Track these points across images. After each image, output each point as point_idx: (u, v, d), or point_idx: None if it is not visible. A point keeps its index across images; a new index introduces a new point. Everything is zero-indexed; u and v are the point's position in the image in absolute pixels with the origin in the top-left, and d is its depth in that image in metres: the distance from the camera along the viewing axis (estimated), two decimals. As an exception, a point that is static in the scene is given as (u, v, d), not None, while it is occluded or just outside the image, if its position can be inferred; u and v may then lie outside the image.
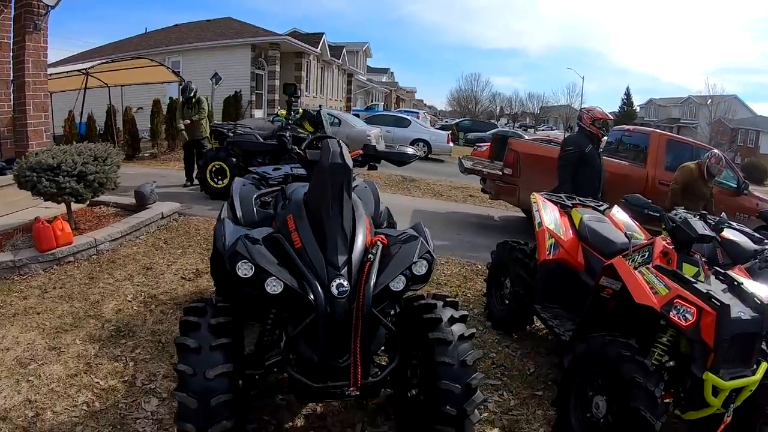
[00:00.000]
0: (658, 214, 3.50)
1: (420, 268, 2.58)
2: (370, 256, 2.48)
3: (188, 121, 8.85)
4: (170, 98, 14.13)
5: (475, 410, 2.71)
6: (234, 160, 8.08)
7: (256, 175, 3.71)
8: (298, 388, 2.55)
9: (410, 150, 3.68)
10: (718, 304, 2.63)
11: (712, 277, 2.99)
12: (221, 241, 2.55)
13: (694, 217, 3.25)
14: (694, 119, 48.97)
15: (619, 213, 4.40)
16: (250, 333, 3.35)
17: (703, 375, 2.65)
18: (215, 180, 8.23)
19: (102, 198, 6.41)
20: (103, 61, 12.30)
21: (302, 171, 3.67)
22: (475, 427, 2.84)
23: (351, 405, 3.37)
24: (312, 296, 2.31)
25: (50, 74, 7.75)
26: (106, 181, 5.57)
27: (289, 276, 2.38)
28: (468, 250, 7.10)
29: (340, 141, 2.73)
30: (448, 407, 2.54)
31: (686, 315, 2.70)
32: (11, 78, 6.60)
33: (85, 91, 12.42)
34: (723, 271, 3.04)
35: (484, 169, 8.51)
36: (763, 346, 2.92)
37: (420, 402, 2.81)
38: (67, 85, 12.38)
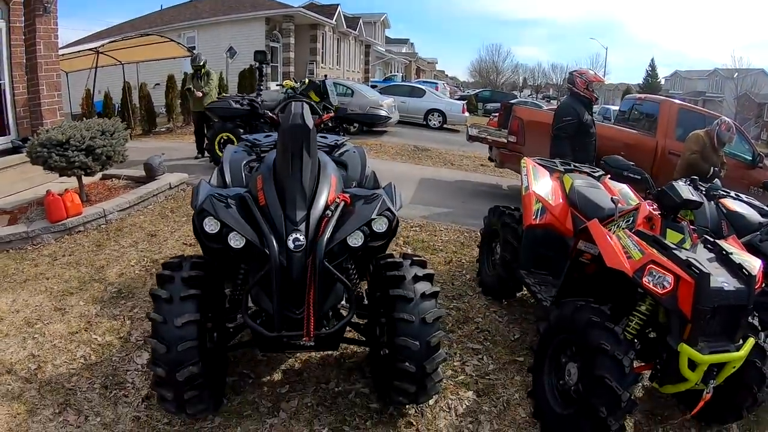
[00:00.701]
0: (639, 177, 3.38)
1: (380, 225, 2.66)
2: (328, 212, 2.59)
3: (199, 94, 8.98)
4: (184, 73, 14.25)
5: (438, 368, 2.76)
6: (241, 130, 8.19)
7: (248, 143, 3.84)
8: (258, 338, 2.73)
9: (382, 112, 3.73)
10: (697, 272, 2.50)
11: (700, 246, 2.87)
12: (194, 200, 2.70)
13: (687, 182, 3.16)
14: (720, 93, 47.32)
15: (614, 181, 4.27)
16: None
17: (678, 347, 2.54)
18: (223, 151, 8.34)
19: (113, 171, 6.67)
20: (113, 39, 12.46)
21: None
22: (438, 386, 2.90)
23: (328, 362, 3.53)
24: (268, 250, 2.43)
25: (62, 55, 7.94)
26: (114, 154, 5.78)
27: (250, 231, 2.51)
28: (470, 217, 7.11)
29: (305, 103, 2.83)
30: (407, 364, 2.61)
31: (663, 282, 2.58)
32: (24, 60, 6.80)
33: (96, 70, 12.61)
34: (712, 240, 2.94)
35: (488, 137, 8.45)
36: (755, 322, 2.85)
37: (385, 360, 2.89)
38: (80, 65, 12.60)
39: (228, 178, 3.27)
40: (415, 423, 3.00)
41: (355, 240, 2.61)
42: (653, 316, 2.84)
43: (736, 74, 43.42)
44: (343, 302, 2.92)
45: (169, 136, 12.40)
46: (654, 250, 2.70)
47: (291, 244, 2.49)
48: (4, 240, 4.94)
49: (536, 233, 4.05)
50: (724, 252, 2.78)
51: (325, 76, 11.17)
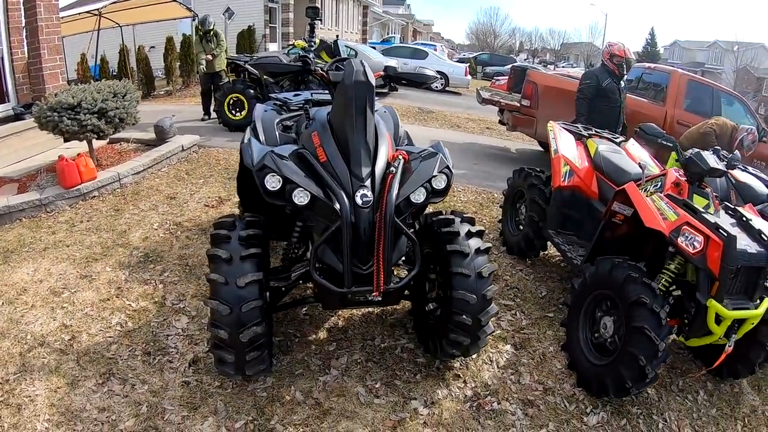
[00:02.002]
0: (671, 144, 3.57)
1: (439, 182, 2.68)
2: (392, 168, 2.57)
3: (210, 57, 8.80)
4: (183, 35, 13.93)
5: (489, 322, 2.87)
6: (251, 91, 8.09)
7: (277, 101, 3.77)
8: (324, 295, 2.69)
9: (429, 71, 3.67)
10: (725, 234, 2.69)
11: (722, 211, 3.05)
12: (249, 158, 2.66)
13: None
14: (719, 65, 47.01)
15: (634, 146, 4.41)
16: (273, 253, 3.49)
17: (707, 302, 2.73)
18: (233, 112, 8.27)
19: (122, 135, 6.53)
20: (114, 0, 12.09)
21: (322, 96, 3.74)
22: (488, 339, 3.01)
23: (371, 319, 3.57)
24: (338, 205, 2.42)
25: (62, 17, 7.70)
26: (127, 116, 5.65)
27: (315, 187, 2.49)
28: (484, 179, 7.13)
29: (363, 61, 2.76)
30: (463, 316, 2.70)
31: (694, 243, 2.77)
32: (23, 24, 6.58)
33: (98, 33, 12.28)
34: (733, 206, 3.11)
35: (501, 100, 8.40)
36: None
37: (437, 314, 2.96)
38: (79, 28, 12.25)
39: (262, 137, 3.22)
40: (461, 375, 3.15)
41: (418, 196, 2.63)
42: (680, 275, 3.03)
43: (737, 47, 43.17)
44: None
45: (170, 99, 12.18)
46: (687, 213, 2.88)
47: (359, 200, 2.48)
48: (16, 209, 4.80)
49: (564, 195, 4.19)
50: (744, 218, 2.97)
51: (337, 36, 10.90)
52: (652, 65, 9.17)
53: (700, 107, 7.39)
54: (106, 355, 3.04)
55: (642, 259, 3.15)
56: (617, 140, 4.54)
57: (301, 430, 2.65)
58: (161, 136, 6.76)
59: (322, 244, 2.50)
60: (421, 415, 2.82)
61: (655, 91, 7.86)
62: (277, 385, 2.89)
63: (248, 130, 3.40)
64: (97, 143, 6.05)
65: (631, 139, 4.52)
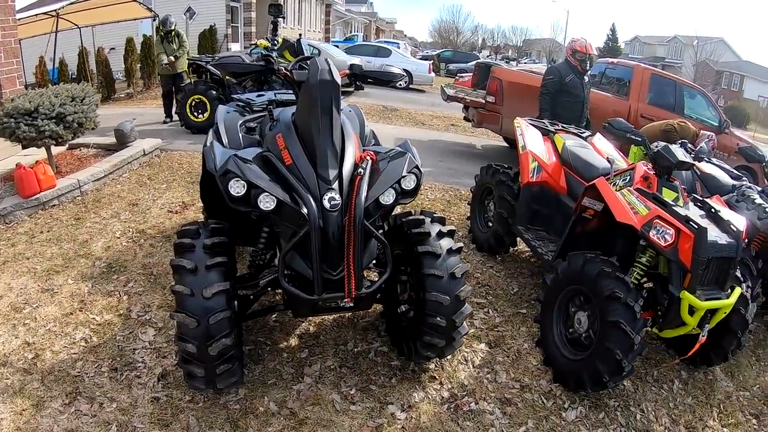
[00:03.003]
0: (639, 139, 3.63)
1: (409, 183, 2.64)
2: (360, 170, 2.51)
3: (173, 59, 8.59)
4: (144, 36, 13.56)
5: (464, 322, 2.86)
6: (214, 92, 7.94)
7: (240, 102, 3.68)
8: (294, 303, 2.64)
9: (395, 69, 3.63)
10: (696, 227, 2.73)
11: (691, 204, 3.10)
12: (211, 162, 2.56)
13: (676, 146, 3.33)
14: (679, 59, 48.27)
15: (600, 141, 4.47)
16: (240, 258, 3.40)
17: (680, 294, 2.78)
18: (195, 114, 8.11)
19: (81, 140, 6.29)
20: (72, 1, 11.67)
21: (286, 96, 3.66)
22: (462, 339, 3.01)
23: (343, 324, 3.52)
24: (305, 210, 2.34)
25: (19, 19, 7.39)
26: (86, 121, 5.45)
27: (281, 191, 2.41)
28: (451, 176, 7.15)
29: (328, 59, 2.69)
30: (438, 318, 2.68)
31: (665, 236, 2.81)
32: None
33: (56, 35, 11.84)
34: (701, 198, 3.16)
35: (467, 97, 8.44)
36: (738, 273, 3.09)
37: (410, 317, 2.94)
38: (37, 30, 11.76)
39: (225, 140, 3.14)
40: (437, 377, 3.13)
41: (387, 198, 2.58)
42: (652, 267, 3.09)
43: (696, 42, 44.40)
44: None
45: (131, 102, 11.83)
46: (657, 207, 2.92)
47: (327, 204, 2.41)
48: None
49: (532, 191, 4.21)
50: (713, 210, 3.03)
51: (300, 35, 10.78)
52: (615, 60, 9.36)
53: (663, 101, 7.57)
54: (72, 372, 2.91)
55: (613, 253, 3.19)
56: (584, 135, 4.59)
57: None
58: (122, 140, 6.56)
59: (290, 250, 2.43)
60: (399, 419, 2.79)
61: (619, 86, 8.02)
62: (250, 396, 2.82)
63: (210, 132, 3.31)
64: (56, 149, 5.81)
65: (598, 134, 4.58)
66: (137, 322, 3.38)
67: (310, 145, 2.53)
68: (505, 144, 9.17)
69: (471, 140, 9.92)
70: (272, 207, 2.40)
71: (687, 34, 48.57)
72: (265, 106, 3.55)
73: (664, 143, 3.29)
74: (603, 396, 3.10)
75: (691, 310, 2.81)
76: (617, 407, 3.08)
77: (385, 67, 3.66)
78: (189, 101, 8.04)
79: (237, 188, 2.38)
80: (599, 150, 4.26)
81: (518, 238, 4.51)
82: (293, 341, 3.32)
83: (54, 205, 5.11)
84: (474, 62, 17.01)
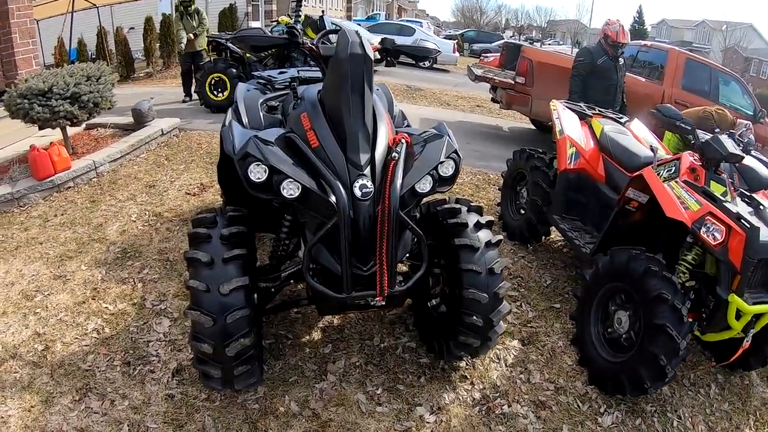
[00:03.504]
0: (689, 128, 3.35)
1: (447, 169, 2.40)
2: (394, 154, 2.26)
3: (192, 36, 8.40)
4: (163, 15, 13.37)
5: (501, 321, 2.66)
6: (234, 70, 7.75)
7: (260, 80, 3.47)
8: (320, 300, 2.42)
9: (430, 44, 3.37)
10: (748, 225, 2.54)
11: (738, 199, 2.87)
12: (230, 144, 2.34)
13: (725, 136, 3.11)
14: (707, 44, 46.68)
15: (639, 126, 4.24)
16: (260, 244, 3.21)
17: (729, 297, 2.58)
18: (215, 93, 7.94)
19: (98, 120, 6.15)
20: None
21: (310, 74, 3.44)
22: (497, 338, 2.80)
23: (368, 316, 3.34)
24: (334, 198, 2.12)
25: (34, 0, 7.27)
26: (101, 101, 5.29)
27: (306, 177, 2.18)
28: (478, 159, 6.87)
29: (359, 31, 2.44)
30: (474, 317, 2.47)
31: (715, 234, 2.61)
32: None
33: (72, 14, 11.70)
34: (749, 194, 2.94)
35: (495, 78, 8.13)
36: None
37: (442, 312, 2.75)
38: (53, 10, 11.67)
39: (245, 119, 2.93)
40: (468, 376, 2.96)
41: (424, 186, 2.33)
42: (697, 266, 2.89)
43: (725, 27, 43.00)
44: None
45: (150, 81, 11.69)
46: (708, 202, 2.72)
47: (358, 192, 2.17)
48: None
49: (569, 178, 3.99)
50: (761, 206, 2.82)
51: (323, 11, 10.48)
52: (649, 43, 8.94)
53: (697, 86, 7.23)
54: (83, 366, 2.77)
55: (655, 248, 2.97)
56: (622, 120, 4.33)
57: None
58: (139, 120, 6.39)
59: (316, 243, 2.21)
60: (428, 422, 2.62)
61: (652, 70, 7.67)
62: (270, 395, 2.65)
63: (229, 111, 3.12)
64: (72, 130, 5.71)
65: (636, 119, 4.34)
66: (152, 312, 3.22)
67: (339, 125, 2.29)
68: (533, 127, 8.88)
69: (498, 122, 9.60)
70: (297, 195, 2.17)
71: (715, 18, 47.12)
72: (287, 83, 3.34)
73: (713, 134, 3.07)
74: (640, 401, 2.91)
75: (738, 314, 2.61)
76: (654, 413, 2.89)
77: (420, 42, 3.39)
78: (208, 80, 7.85)
79: (257, 173, 2.15)
80: (638, 136, 4.03)
81: (551, 228, 4.32)
82: (316, 335, 3.14)
83: (69, 188, 4.98)
84: (500, 42, 16.53)
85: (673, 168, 3.11)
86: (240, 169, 2.17)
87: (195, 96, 8.50)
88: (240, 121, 2.94)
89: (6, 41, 6.29)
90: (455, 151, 2.43)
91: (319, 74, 3.46)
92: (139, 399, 2.58)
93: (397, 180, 2.19)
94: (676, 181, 2.93)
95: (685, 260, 2.87)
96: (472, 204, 2.70)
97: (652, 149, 3.66)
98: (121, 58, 11.95)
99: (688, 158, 3.11)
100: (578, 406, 2.87)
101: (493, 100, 8.73)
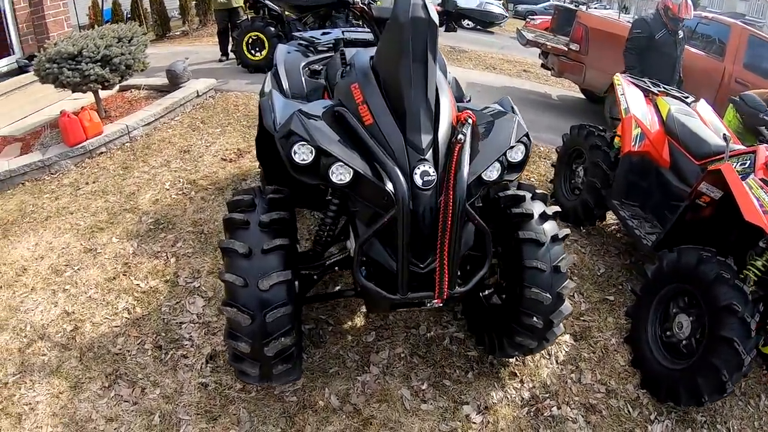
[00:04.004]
0: None
1: (516, 154, 2.14)
2: (460, 136, 1.96)
3: None
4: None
5: (561, 323, 2.45)
6: (272, 29, 7.47)
7: (302, 41, 3.23)
8: (371, 299, 2.19)
9: (496, 8, 3.05)
10: None
11: None
12: (270, 118, 2.08)
13: None
14: (761, 18, 43.68)
15: (705, 108, 3.91)
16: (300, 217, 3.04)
17: None
18: (252, 52, 7.67)
19: (132, 81, 5.96)
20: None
21: (356, 35, 3.17)
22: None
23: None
24: (391, 187, 1.86)
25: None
26: (134, 63, 5.10)
27: (360, 161, 1.93)
28: (528, 129, 6.50)
29: None
30: (534, 318, 2.26)
31: None
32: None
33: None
34: None
35: (547, 43, 7.65)
36: None
37: (496, 304, 2.56)
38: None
39: (285, 85, 2.72)
40: (518, 373, 2.81)
41: (491, 174, 2.07)
42: (765, 273, 2.70)
43: None
44: None
45: (186, 40, 11.47)
46: None
47: (418, 180, 1.91)
48: (17, 173, 4.35)
49: (633, 161, 3.71)
50: None
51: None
52: (710, 15, 8.27)
53: (760, 65, 6.64)
54: (112, 350, 2.66)
55: (720, 247, 2.75)
56: (687, 100, 4.00)
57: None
58: (174, 81, 6.18)
59: (369, 238, 1.96)
60: (474, 423, 2.47)
61: (712, 44, 7.09)
62: (309, 387, 2.51)
63: (268, 76, 2.89)
64: (105, 92, 5.54)
65: (702, 101, 4.00)
66: (185, 290, 3.09)
67: (398, 100, 2.00)
68: (582, 96, 8.39)
69: (546, 89, 9.12)
70: (347, 180, 1.93)
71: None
72: (331, 45, 3.11)
73: None
74: (691, 410, 2.76)
75: None
76: (704, 423, 2.74)
77: (485, 6, 3.06)
78: (245, 38, 7.56)
79: (302, 155, 1.91)
80: (705, 120, 3.74)
81: (607, 212, 4.03)
82: (359, 321, 2.97)
83: (101, 153, 4.85)
84: (547, 3, 15.70)
85: (748, 162, 2.86)
86: (282, 149, 1.94)
87: (232, 55, 8.24)
88: (280, 86, 2.72)
89: (36, 3, 6.13)
90: (526, 134, 2.15)
91: (367, 36, 3.19)
92: (171, 387, 2.47)
93: (463, 167, 1.92)
94: (755, 180, 2.68)
95: (755, 266, 2.67)
96: (537, 191, 2.43)
97: (724, 138, 3.32)
98: (156, 17, 11.74)
99: (765, 152, 2.86)
100: (629, 411, 2.72)
101: (543, 66, 8.27)
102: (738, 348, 2.34)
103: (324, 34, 3.32)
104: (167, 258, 3.38)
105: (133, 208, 3.96)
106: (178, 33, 12.21)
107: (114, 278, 3.18)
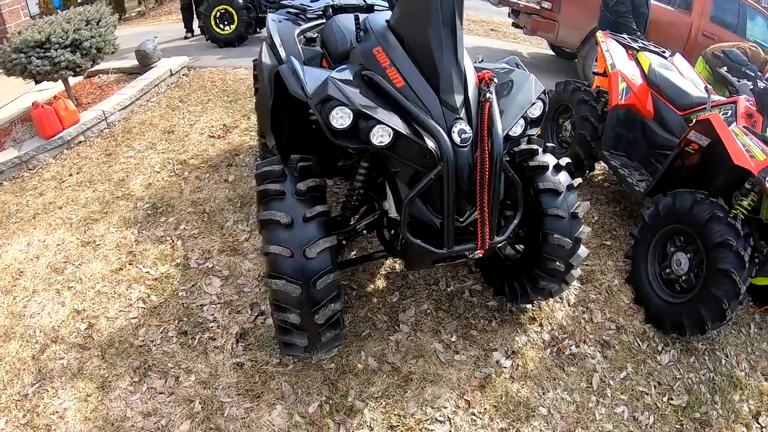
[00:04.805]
0: (753, 74, 3.41)
1: (535, 110, 2.25)
2: (488, 95, 2.02)
3: None
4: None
5: (579, 266, 2.60)
6: (240, 1, 7.24)
7: (291, 9, 3.21)
8: (414, 255, 2.25)
9: None
10: None
11: None
12: (297, 85, 2.05)
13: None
14: None
15: (682, 62, 4.15)
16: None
17: None
18: (221, 26, 7.45)
19: (100, 66, 5.68)
20: None
21: (346, 1, 3.17)
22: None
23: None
24: (432, 145, 1.93)
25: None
26: (105, 45, 4.88)
27: (399, 122, 1.96)
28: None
29: None
30: (557, 263, 2.40)
31: None
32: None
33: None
34: None
35: (519, 2, 7.66)
36: None
37: (512, 255, 2.70)
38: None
39: (283, 54, 2.71)
40: (536, 317, 2.97)
41: (516, 129, 2.17)
42: (752, 212, 2.94)
43: None
44: None
45: (144, 21, 11.00)
46: None
47: (456, 138, 1.97)
48: None
49: (620, 114, 3.93)
50: None
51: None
52: None
53: (725, 19, 6.81)
54: (135, 342, 2.60)
55: (708, 190, 2.99)
56: (665, 54, 4.21)
57: (384, 403, 2.36)
58: (145, 61, 5.96)
59: (416, 196, 2.01)
60: (505, 368, 2.62)
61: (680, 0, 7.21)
62: (345, 352, 2.56)
63: (264, 46, 2.90)
64: (73, 80, 5.32)
65: (678, 55, 4.24)
66: (198, 272, 3.05)
67: (427, 63, 2.03)
68: (552, 52, 8.49)
69: (516, 47, 9.15)
70: (387, 142, 1.96)
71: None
72: (321, 11, 3.11)
73: None
74: (692, 340, 3.02)
75: None
76: (705, 351, 3.00)
77: None
78: (213, 12, 7.32)
79: (341, 119, 1.92)
80: (682, 73, 3.99)
81: (596, 163, 4.23)
82: (380, 283, 3.03)
83: (80, 142, 4.68)
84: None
85: (729, 111, 3.13)
86: (320, 114, 1.93)
87: (197, 31, 8.01)
88: (278, 56, 2.72)
89: (-10, -5, 5.82)
90: (544, 91, 2.25)
91: (355, 1, 3.23)
92: (206, 372, 2.45)
93: (497, 123, 2.00)
94: (740, 128, 2.91)
95: (741, 206, 2.86)
96: (547, 144, 2.56)
97: (706, 90, 3.61)
98: (109, -1, 11.22)
99: (744, 102, 3.13)
100: (639, 344, 2.94)
101: (515, 25, 8.29)
102: (735, 278, 2.57)
103: (313, 1, 3.31)
104: (173, 242, 3.32)
105: (125, 195, 3.86)
106: (134, 14, 11.71)
107: (120, 269, 3.10)
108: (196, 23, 8.10)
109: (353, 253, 3.20)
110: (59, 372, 2.46)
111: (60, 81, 4.82)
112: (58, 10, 8.64)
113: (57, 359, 2.54)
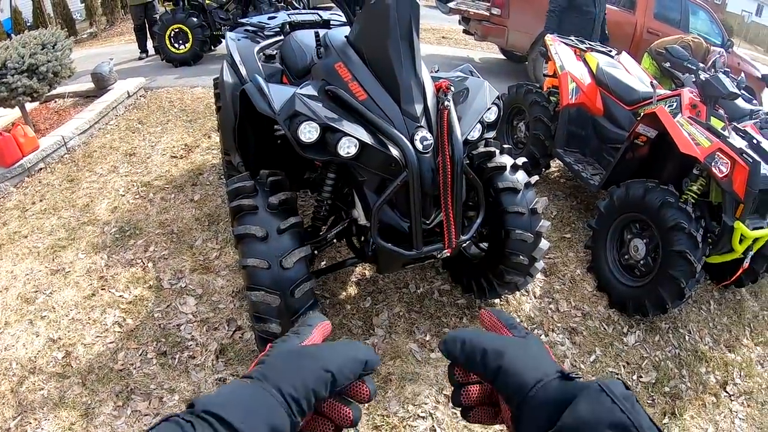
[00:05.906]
0: (694, 68, 3.54)
1: (491, 115, 2.37)
2: (446, 103, 2.14)
3: None
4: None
5: (541, 259, 2.73)
6: (195, 20, 7.22)
7: (249, 27, 3.27)
8: (385, 259, 2.33)
9: None
10: (751, 160, 2.75)
11: (733, 133, 3.06)
12: (263, 102, 2.12)
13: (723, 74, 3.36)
14: None
15: (628, 60, 4.37)
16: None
17: (734, 224, 2.82)
18: (176, 46, 7.42)
19: (56, 91, 5.66)
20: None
21: (301, 17, 3.27)
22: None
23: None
24: (397, 153, 2.04)
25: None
26: (62, 69, 4.86)
27: (365, 133, 2.06)
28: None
29: None
30: (521, 257, 2.52)
31: (722, 167, 2.81)
32: None
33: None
34: (742, 129, 3.14)
35: (469, 10, 7.86)
36: None
37: (477, 254, 2.83)
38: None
39: (243, 71, 2.78)
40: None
41: (474, 134, 2.29)
42: (701, 196, 3.12)
43: None
44: None
45: (96, 42, 10.85)
46: (717, 138, 2.90)
47: (419, 145, 2.07)
48: None
49: (571, 113, 4.11)
50: (755, 140, 3.02)
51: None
52: None
53: (669, 15, 7.19)
54: (115, 367, 2.59)
55: (659, 180, 3.17)
56: (611, 54, 4.42)
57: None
58: (101, 84, 5.93)
59: (383, 202, 2.11)
60: None
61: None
62: (325, 358, 2.63)
63: (224, 65, 2.94)
64: (29, 105, 5.25)
65: (624, 53, 4.45)
66: (172, 292, 3.08)
67: (389, 75, 2.13)
68: (503, 57, 8.74)
69: (468, 53, 9.37)
70: (354, 152, 2.05)
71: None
72: (278, 29, 3.22)
73: (714, 73, 3.30)
74: (655, 320, 3.16)
75: (740, 239, 2.88)
76: (669, 329, 3.15)
77: None
78: (167, 32, 7.29)
79: (308, 133, 2.00)
80: (629, 70, 4.18)
81: (551, 161, 4.39)
82: (352, 290, 3.11)
83: (41, 169, 4.62)
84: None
85: (674, 104, 3.31)
86: (289, 129, 2.01)
87: (152, 51, 7.95)
88: (238, 74, 2.78)
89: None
90: (498, 96, 2.40)
91: (311, 18, 3.36)
92: (189, 390, 2.47)
93: (456, 129, 2.12)
94: (685, 118, 3.08)
95: (691, 191, 3.03)
96: (504, 146, 2.69)
97: (652, 85, 3.83)
98: (61, 21, 11.03)
99: (688, 94, 3.31)
100: (605, 329, 3.09)
101: (465, 31, 8.49)
102: (690, 258, 2.74)
103: (270, 18, 3.38)
104: (144, 264, 3.33)
105: (91, 220, 3.83)
106: (86, 36, 11.53)
107: (93, 295, 3.08)
108: (150, 43, 8.06)
109: (323, 262, 3.27)
110: (40, 403, 2.43)
111: (17, 107, 4.77)
112: (7, 35, 8.45)
113: (37, 390, 2.50)
